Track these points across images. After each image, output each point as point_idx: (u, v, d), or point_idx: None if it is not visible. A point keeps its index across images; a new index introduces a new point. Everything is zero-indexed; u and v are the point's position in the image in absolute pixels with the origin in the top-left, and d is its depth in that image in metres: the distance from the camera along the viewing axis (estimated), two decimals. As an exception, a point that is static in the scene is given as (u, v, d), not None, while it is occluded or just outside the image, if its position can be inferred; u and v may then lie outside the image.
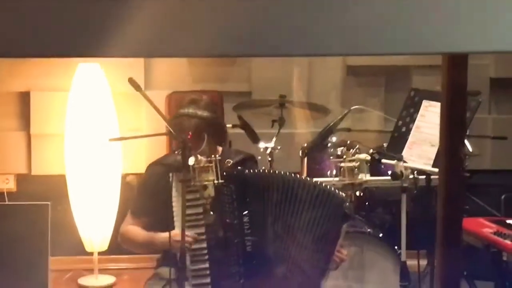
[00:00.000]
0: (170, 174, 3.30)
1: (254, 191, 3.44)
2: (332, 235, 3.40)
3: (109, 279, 5.50)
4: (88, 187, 5.27)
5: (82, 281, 5.44)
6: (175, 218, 3.29)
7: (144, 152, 5.40)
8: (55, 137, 5.45)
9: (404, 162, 3.50)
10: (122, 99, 5.44)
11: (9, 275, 2.31)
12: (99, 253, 5.43)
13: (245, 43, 1.27)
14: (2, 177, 5.59)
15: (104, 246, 5.44)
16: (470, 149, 4.60)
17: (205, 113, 3.61)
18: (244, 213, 3.38)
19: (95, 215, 5.33)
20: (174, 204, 3.29)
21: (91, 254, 5.43)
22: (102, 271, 5.51)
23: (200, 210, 3.33)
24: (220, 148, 3.71)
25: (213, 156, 3.15)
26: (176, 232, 3.31)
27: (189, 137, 3.45)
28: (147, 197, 3.60)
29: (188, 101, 3.66)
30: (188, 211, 3.29)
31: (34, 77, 5.53)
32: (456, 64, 1.71)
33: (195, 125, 3.55)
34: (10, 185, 5.61)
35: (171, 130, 3.21)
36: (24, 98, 5.59)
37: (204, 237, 3.36)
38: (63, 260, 5.56)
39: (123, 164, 5.35)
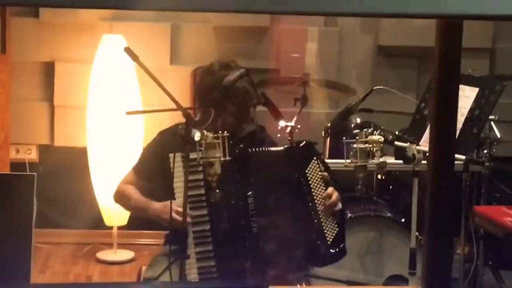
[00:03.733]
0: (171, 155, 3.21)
1: (256, 170, 3.34)
2: (301, 181, 3.32)
3: (128, 254, 5.46)
4: (109, 160, 5.22)
5: (100, 255, 5.40)
6: (176, 195, 3.20)
7: (166, 126, 5.32)
8: (78, 109, 5.40)
9: (417, 145, 3.37)
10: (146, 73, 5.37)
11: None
12: (119, 228, 5.39)
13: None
14: (25, 148, 5.56)
15: (124, 221, 5.39)
16: (498, 135, 4.44)
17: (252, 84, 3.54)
18: (248, 194, 3.28)
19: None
20: (175, 180, 3.20)
21: (111, 228, 5.39)
22: (121, 245, 5.47)
23: (202, 191, 3.23)
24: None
25: (220, 132, 3.04)
26: (169, 203, 3.24)
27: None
28: (150, 161, 3.52)
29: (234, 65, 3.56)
30: (191, 192, 3.19)
31: (59, 47, 5.48)
32: (450, 33, 1.58)
33: (250, 94, 3.49)
34: (32, 155, 5.58)
35: (178, 104, 3.09)
36: (49, 68, 5.54)
37: (207, 218, 3.27)
38: (82, 233, 5.53)
39: (145, 137, 5.28)
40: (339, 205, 3.37)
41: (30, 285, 2.25)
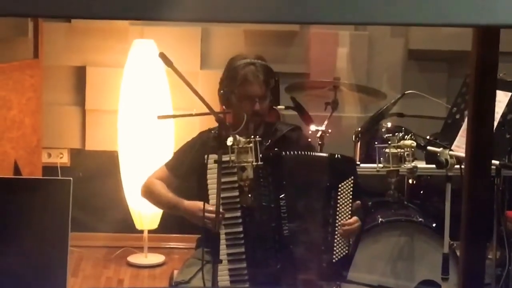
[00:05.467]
0: (205, 156, 3.21)
1: (290, 173, 3.35)
2: (331, 193, 3.33)
3: (159, 258, 5.48)
4: (140, 164, 5.24)
5: (131, 259, 5.43)
6: (210, 197, 3.21)
7: (197, 131, 5.34)
8: (110, 113, 5.44)
9: (450, 150, 3.36)
10: (177, 77, 5.38)
11: (30, 250, 2.26)
12: (149, 231, 5.41)
13: (301, 9, 1.22)
14: (56, 152, 5.61)
15: (154, 225, 5.42)
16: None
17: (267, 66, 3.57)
18: (280, 197, 3.29)
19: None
20: (209, 181, 3.21)
21: (141, 232, 5.41)
22: (152, 249, 5.49)
23: (236, 193, 3.24)
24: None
25: (252, 137, 3.04)
26: (199, 203, 3.25)
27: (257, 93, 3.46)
28: (186, 159, 3.54)
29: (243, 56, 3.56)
30: (225, 194, 3.20)
31: (90, 52, 5.52)
32: (487, 40, 1.57)
33: (265, 74, 3.49)
34: (64, 159, 5.63)
35: (211, 109, 3.10)
36: (80, 73, 5.59)
37: (240, 220, 3.28)
38: (113, 237, 5.56)
39: (175, 142, 5.30)
40: (356, 234, 3.42)
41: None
